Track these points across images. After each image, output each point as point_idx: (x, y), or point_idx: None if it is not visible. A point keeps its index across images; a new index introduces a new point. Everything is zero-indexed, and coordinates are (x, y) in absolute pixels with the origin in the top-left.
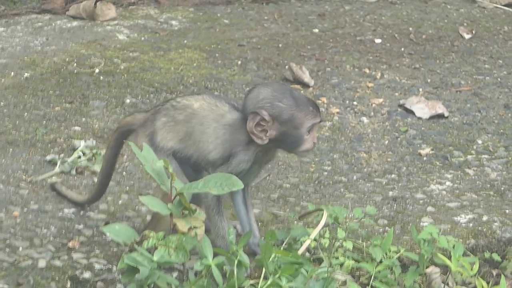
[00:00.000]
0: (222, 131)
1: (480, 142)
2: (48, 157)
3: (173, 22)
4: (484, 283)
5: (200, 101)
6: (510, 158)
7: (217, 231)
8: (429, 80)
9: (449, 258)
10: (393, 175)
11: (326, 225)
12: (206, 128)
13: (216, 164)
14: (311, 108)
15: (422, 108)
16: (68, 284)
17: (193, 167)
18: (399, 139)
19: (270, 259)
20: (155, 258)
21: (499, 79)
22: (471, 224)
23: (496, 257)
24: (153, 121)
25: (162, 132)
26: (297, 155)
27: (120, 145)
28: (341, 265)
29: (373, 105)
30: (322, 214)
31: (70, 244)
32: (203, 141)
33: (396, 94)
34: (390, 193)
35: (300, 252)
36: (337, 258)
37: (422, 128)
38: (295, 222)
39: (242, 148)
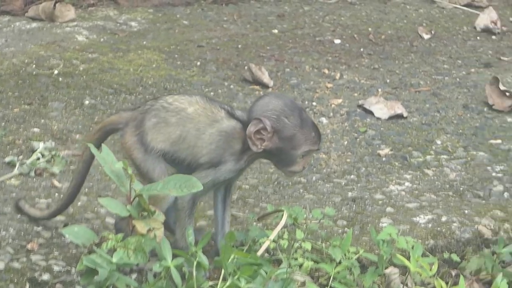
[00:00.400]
0: (218, 137)
1: (439, 142)
2: (7, 159)
3: (132, 23)
4: (443, 284)
5: (194, 105)
6: (469, 159)
7: (183, 231)
8: (388, 81)
9: (408, 258)
10: (352, 176)
11: (285, 226)
12: (201, 133)
13: (204, 167)
14: (313, 134)
15: (381, 108)
16: (27, 286)
17: (186, 170)
18: (358, 139)
19: (229, 260)
20: (114, 259)
21: (458, 79)
22: (430, 225)
23: (455, 257)
24: (143, 121)
25: (152, 132)
26: (283, 172)
27: (100, 145)
28: (300, 266)
29: (332, 105)
30: (281, 215)
31: (29, 246)
32: (198, 146)
33: (355, 94)
34: (349, 193)
35: (259, 253)
36: (296, 259)
37: (381, 128)
38: (254, 223)
39: (235, 158)
